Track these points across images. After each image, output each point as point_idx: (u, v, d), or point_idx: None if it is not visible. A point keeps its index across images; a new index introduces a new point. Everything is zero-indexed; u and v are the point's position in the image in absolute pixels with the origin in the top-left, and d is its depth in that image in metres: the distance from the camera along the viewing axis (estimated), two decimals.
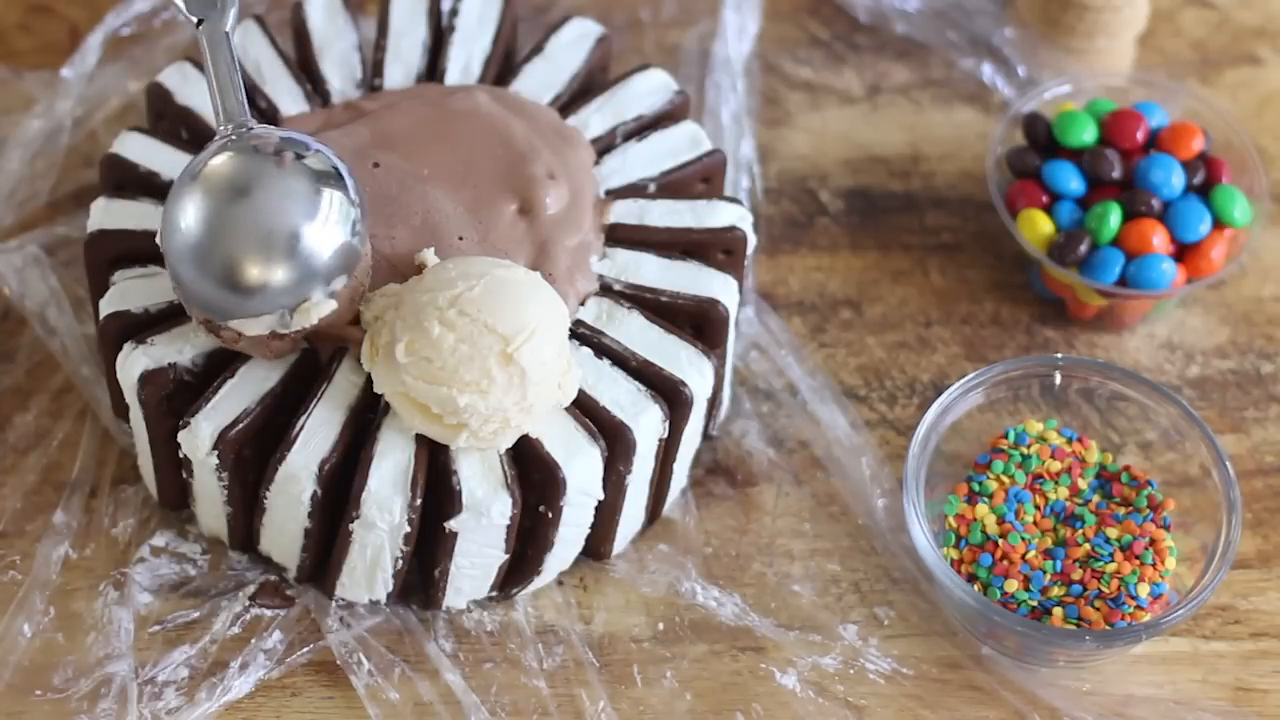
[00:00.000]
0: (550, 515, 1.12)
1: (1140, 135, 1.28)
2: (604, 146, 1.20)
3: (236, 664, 1.14)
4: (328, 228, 1.06)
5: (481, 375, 1.06)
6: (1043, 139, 1.29)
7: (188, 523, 1.19)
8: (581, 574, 1.18)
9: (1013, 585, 1.14)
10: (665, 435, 1.14)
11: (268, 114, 1.19)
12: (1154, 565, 1.15)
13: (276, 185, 1.06)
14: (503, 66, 1.23)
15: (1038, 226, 1.26)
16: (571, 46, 1.23)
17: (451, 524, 1.09)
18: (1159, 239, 1.25)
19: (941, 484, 1.19)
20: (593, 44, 1.23)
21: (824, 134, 1.37)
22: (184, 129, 1.19)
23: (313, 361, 1.12)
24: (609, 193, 1.18)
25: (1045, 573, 1.15)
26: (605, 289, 1.15)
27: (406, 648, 1.15)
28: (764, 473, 1.22)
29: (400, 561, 1.12)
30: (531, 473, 1.10)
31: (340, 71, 1.22)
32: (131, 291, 1.13)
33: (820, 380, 1.25)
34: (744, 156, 1.34)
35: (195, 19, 1.11)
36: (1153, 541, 1.16)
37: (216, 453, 1.09)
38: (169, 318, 1.12)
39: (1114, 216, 1.25)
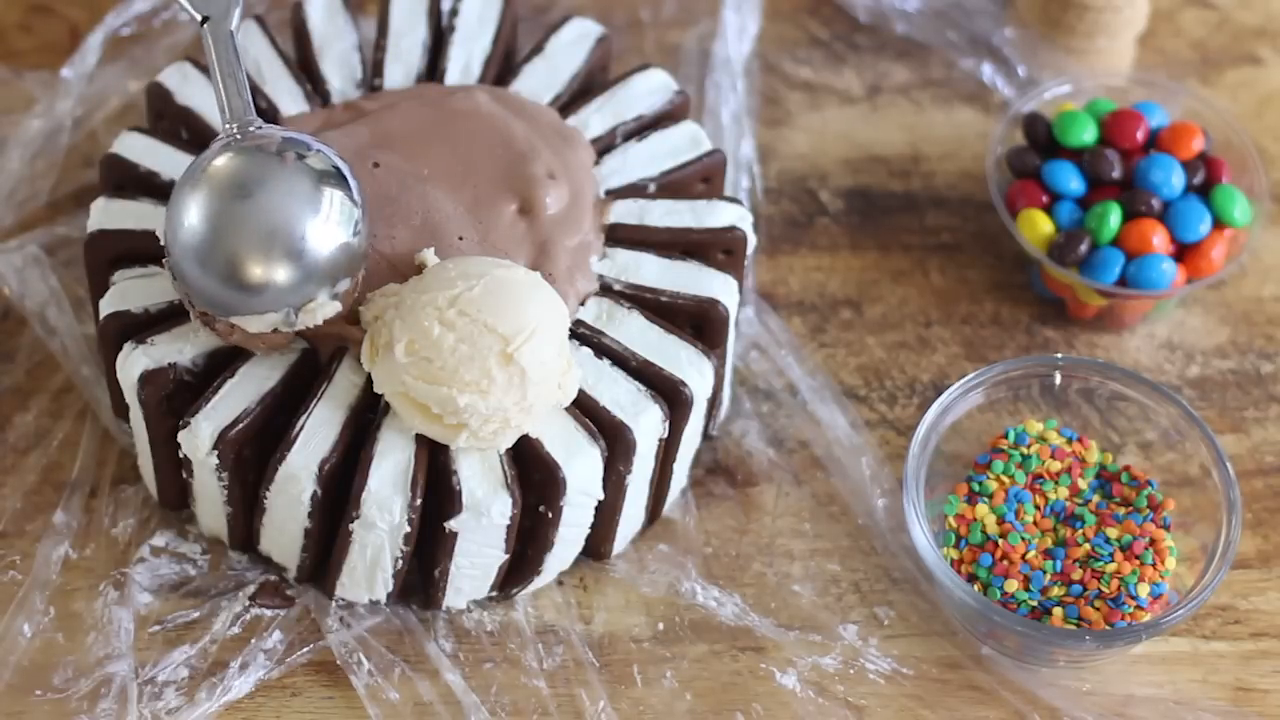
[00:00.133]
0: (550, 515, 1.12)
1: (1140, 135, 1.28)
2: (604, 146, 1.20)
3: (236, 664, 1.14)
4: (329, 227, 1.06)
5: (481, 375, 1.06)
6: (1043, 139, 1.29)
7: (188, 523, 1.19)
8: (581, 574, 1.18)
9: (1013, 585, 1.14)
10: (665, 435, 1.14)
11: (268, 114, 1.19)
12: (1154, 565, 1.15)
13: (279, 185, 1.06)
14: (503, 66, 1.23)
15: (1038, 226, 1.26)
16: (571, 46, 1.23)
17: (451, 524, 1.09)
18: (1159, 239, 1.25)
19: (941, 484, 1.19)
20: (593, 44, 1.23)
21: (824, 134, 1.37)
22: (184, 129, 1.19)
23: (313, 361, 1.12)
24: (609, 193, 1.18)
25: (1045, 573, 1.15)
26: (605, 289, 1.15)
27: (406, 648, 1.15)
28: (764, 473, 1.22)
29: (400, 561, 1.12)
30: (531, 473, 1.10)
31: (340, 71, 1.22)
32: (131, 291, 1.13)
33: (820, 380, 1.25)
34: (744, 156, 1.34)
35: (200, 17, 1.11)
36: (1153, 541, 1.16)
37: (216, 453, 1.09)
38: (169, 318, 1.12)
39: (1114, 216, 1.25)
